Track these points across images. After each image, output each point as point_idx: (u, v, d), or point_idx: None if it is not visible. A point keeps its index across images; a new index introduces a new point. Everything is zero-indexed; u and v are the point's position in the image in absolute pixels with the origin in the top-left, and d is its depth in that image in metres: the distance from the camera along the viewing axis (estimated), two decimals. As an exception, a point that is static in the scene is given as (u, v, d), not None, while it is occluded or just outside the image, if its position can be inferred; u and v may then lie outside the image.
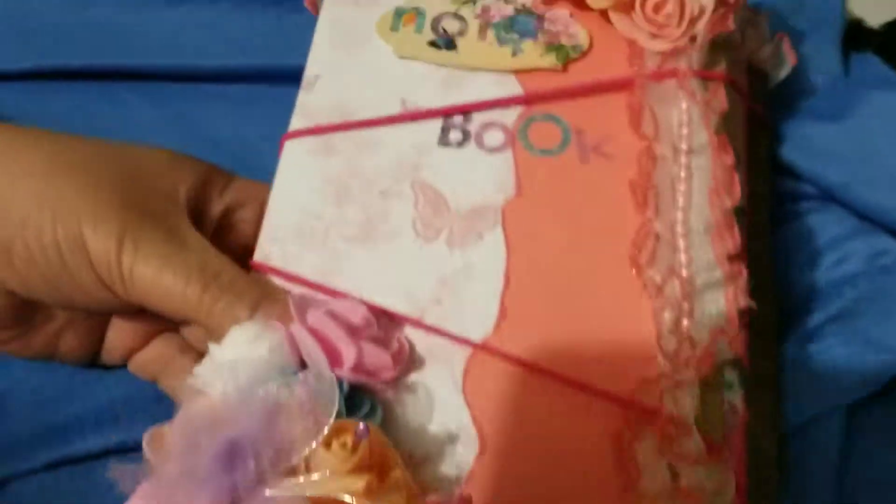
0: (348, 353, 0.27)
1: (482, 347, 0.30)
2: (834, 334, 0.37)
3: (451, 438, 0.28)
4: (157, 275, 0.29)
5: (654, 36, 0.35)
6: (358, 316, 0.28)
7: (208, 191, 0.34)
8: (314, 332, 0.27)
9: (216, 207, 0.34)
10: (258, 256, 0.32)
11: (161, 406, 0.34)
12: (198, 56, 0.45)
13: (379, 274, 0.32)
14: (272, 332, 0.27)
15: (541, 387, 0.29)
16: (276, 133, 0.36)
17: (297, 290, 0.32)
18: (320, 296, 0.31)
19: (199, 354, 0.31)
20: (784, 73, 0.42)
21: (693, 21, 0.35)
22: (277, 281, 0.32)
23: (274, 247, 0.33)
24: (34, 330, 0.33)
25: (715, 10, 0.35)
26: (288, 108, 0.37)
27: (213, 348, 0.27)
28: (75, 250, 0.29)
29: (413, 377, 0.30)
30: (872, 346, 0.36)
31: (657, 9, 0.35)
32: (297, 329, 0.27)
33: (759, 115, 0.39)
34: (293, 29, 0.45)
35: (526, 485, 0.28)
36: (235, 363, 0.26)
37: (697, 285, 0.30)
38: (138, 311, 0.31)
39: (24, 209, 0.29)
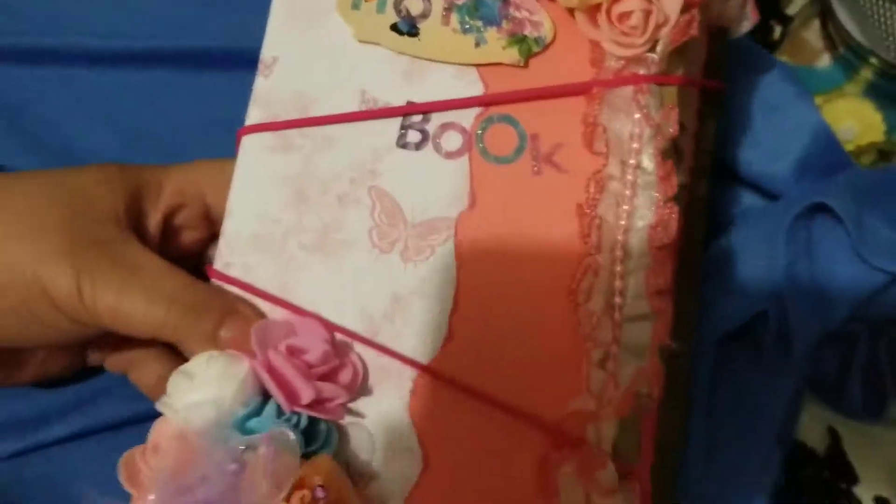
0: (306, 393, 0.30)
1: (429, 369, 0.33)
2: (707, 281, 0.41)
3: (398, 455, 0.32)
4: (117, 304, 0.31)
5: (616, 42, 0.35)
6: (317, 353, 0.31)
7: (142, 204, 0.35)
8: (273, 371, 0.30)
9: (154, 218, 0.35)
10: (218, 265, 0.34)
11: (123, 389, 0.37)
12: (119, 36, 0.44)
13: (335, 287, 0.34)
14: (237, 368, 0.30)
15: (479, 409, 0.33)
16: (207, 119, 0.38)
17: (258, 303, 0.34)
18: (279, 312, 0.33)
19: (167, 352, 0.34)
20: (746, 28, 0.42)
21: (658, 28, 0.34)
22: (236, 292, 0.34)
23: (233, 256, 0.34)
24: (22, 365, 0.35)
25: (680, 14, 0.35)
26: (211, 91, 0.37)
27: (182, 381, 0.30)
28: (38, 298, 0.31)
29: (363, 397, 0.33)
30: (729, 290, 0.41)
31: (622, 18, 0.34)
32: (259, 368, 0.30)
33: (713, 87, 0.39)
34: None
35: (464, 501, 0.32)
36: (204, 403, 0.29)
37: (625, 315, 0.33)
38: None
39: None
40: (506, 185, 0.35)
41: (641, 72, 0.35)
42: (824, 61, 0.50)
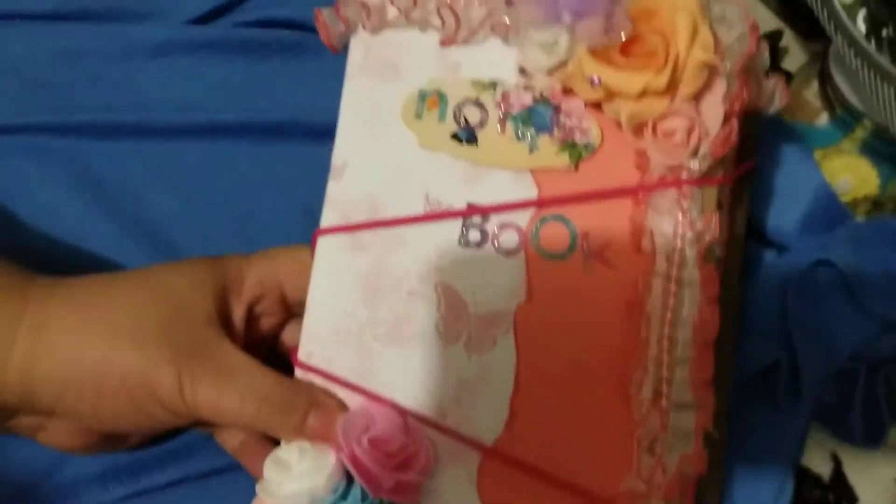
0: (387, 482, 0.34)
1: (494, 450, 0.36)
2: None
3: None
4: (216, 403, 0.35)
5: (661, 153, 0.38)
6: (395, 444, 0.34)
7: (229, 300, 0.39)
8: (357, 462, 0.34)
9: (239, 310, 0.39)
10: (301, 355, 0.38)
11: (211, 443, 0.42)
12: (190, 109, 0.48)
13: (407, 375, 0.38)
14: (326, 460, 0.34)
15: (539, 486, 0.36)
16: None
17: (338, 390, 0.37)
18: (357, 398, 0.37)
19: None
20: (777, 107, 0.45)
21: (700, 140, 0.38)
22: (318, 380, 0.38)
23: (315, 346, 0.38)
24: (126, 439, 0.40)
25: (722, 126, 0.38)
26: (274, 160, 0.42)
27: (279, 470, 0.34)
28: (146, 398, 0.35)
29: (435, 477, 0.36)
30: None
31: (667, 135, 0.38)
32: (345, 460, 0.34)
33: (746, 164, 0.43)
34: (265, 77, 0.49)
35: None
36: (300, 494, 0.33)
37: (672, 403, 0.36)
38: None
39: (96, 372, 0.34)
40: (560, 280, 0.38)
41: (684, 175, 0.38)
42: (823, 120, 0.55)
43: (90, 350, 0.35)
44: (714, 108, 0.38)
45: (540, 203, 0.39)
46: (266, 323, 0.41)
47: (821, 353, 0.44)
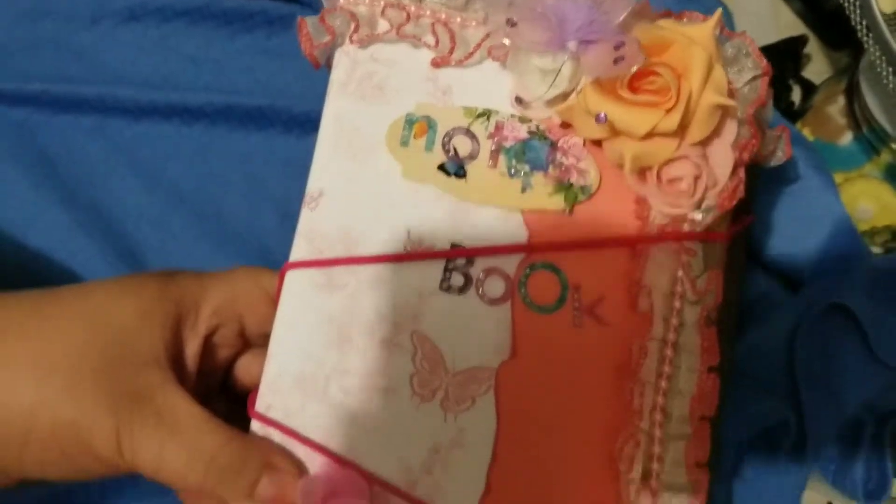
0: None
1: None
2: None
3: None
4: (158, 461, 0.31)
5: (664, 202, 0.35)
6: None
7: (181, 333, 0.34)
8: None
9: (193, 346, 0.35)
10: (259, 406, 0.34)
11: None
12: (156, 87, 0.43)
13: (375, 435, 0.34)
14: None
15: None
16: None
17: (297, 447, 0.34)
18: (318, 459, 0.33)
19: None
20: (779, 161, 0.42)
21: (706, 190, 0.35)
22: (276, 435, 0.34)
23: (275, 398, 0.34)
24: None
25: (730, 176, 0.35)
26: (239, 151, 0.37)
27: None
28: (82, 453, 0.30)
29: (402, 553, 0.33)
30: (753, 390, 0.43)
31: (672, 182, 0.34)
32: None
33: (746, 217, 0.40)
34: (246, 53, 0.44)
35: None
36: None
37: (663, 482, 0.33)
38: None
39: (24, 418, 0.30)
40: (547, 336, 0.35)
41: (685, 227, 0.35)
42: (846, 139, 0.51)
43: (16, 394, 0.30)
44: (723, 156, 0.35)
45: (530, 248, 0.35)
46: (222, 354, 0.37)
47: (829, 403, 0.41)
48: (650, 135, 0.34)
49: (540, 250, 0.36)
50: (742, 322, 0.44)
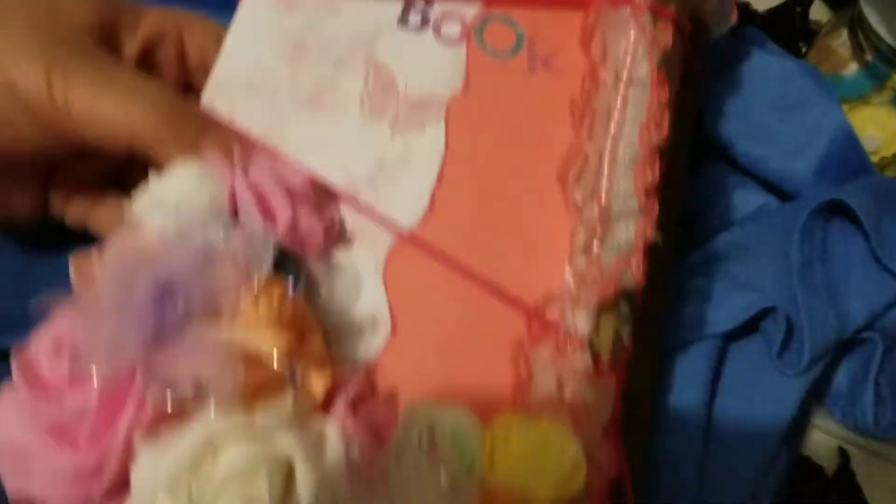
0: (283, 214, 0.28)
1: (407, 237, 0.31)
2: (709, 273, 0.41)
3: (366, 319, 0.30)
4: (92, 102, 0.28)
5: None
6: (298, 180, 0.29)
7: (119, 30, 0.32)
8: (254, 187, 0.28)
9: (131, 47, 0.33)
10: (205, 100, 0.32)
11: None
12: None
13: (321, 143, 0.32)
14: (216, 179, 0.28)
15: (455, 283, 0.31)
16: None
17: (238, 142, 0.32)
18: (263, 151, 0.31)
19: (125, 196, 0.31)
20: (724, 28, 0.44)
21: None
22: (220, 130, 0.32)
23: (222, 93, 0.32)
24: None
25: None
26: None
27: (155, 182, 0.28)
28: (9, 96, 0.28)
29: (338, 255, 0.31)
30: (739, 285, 0.40)
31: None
32: (239, 182, 0.28)
33: (693, 66, 0.41)
34: None
35: (429, 372, 0.30)
36: (178, 203, 0.26)
37: (613, 212, 0.32)
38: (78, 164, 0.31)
39: None
40: (500, 78, 0.35)
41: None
42: (851, 69, 0.47)
43: None
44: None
45: (488, 2, 0.35)
46: (161, 76, 0.34)
47: (829, 311, 0.38)
48: None
49: (497, 4, 0.36)
50: (726, 222, 0.42)
